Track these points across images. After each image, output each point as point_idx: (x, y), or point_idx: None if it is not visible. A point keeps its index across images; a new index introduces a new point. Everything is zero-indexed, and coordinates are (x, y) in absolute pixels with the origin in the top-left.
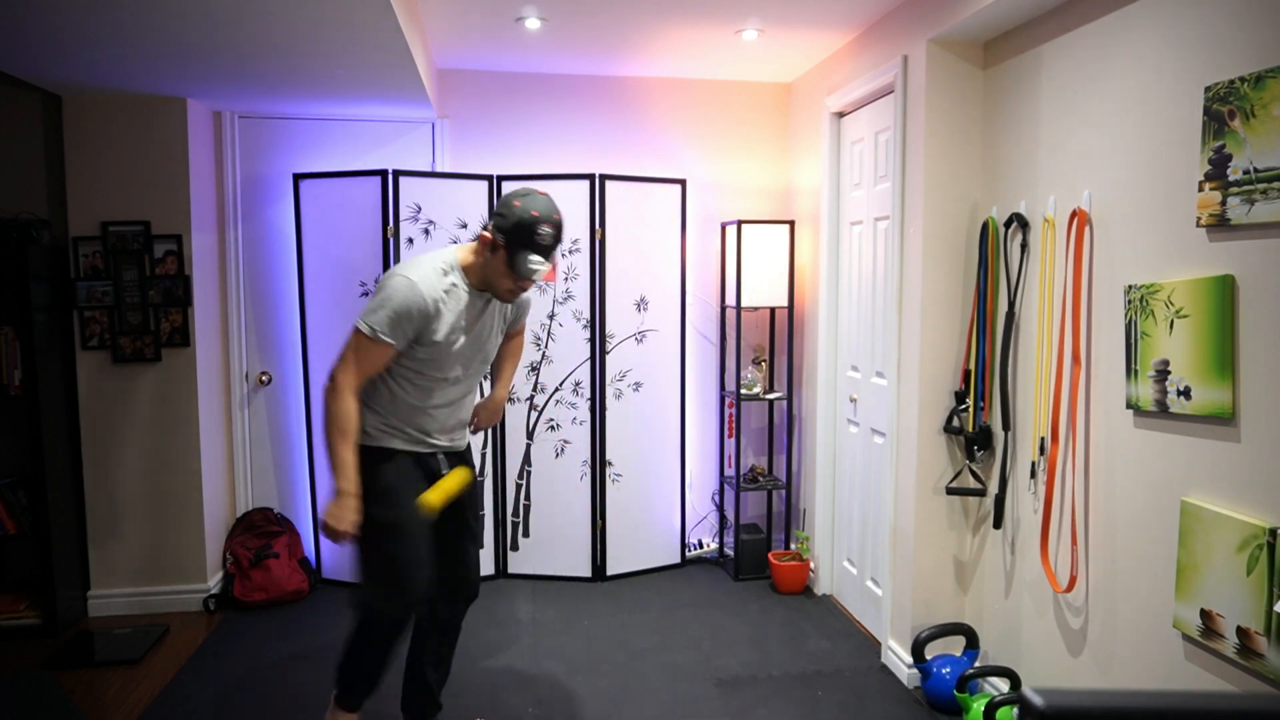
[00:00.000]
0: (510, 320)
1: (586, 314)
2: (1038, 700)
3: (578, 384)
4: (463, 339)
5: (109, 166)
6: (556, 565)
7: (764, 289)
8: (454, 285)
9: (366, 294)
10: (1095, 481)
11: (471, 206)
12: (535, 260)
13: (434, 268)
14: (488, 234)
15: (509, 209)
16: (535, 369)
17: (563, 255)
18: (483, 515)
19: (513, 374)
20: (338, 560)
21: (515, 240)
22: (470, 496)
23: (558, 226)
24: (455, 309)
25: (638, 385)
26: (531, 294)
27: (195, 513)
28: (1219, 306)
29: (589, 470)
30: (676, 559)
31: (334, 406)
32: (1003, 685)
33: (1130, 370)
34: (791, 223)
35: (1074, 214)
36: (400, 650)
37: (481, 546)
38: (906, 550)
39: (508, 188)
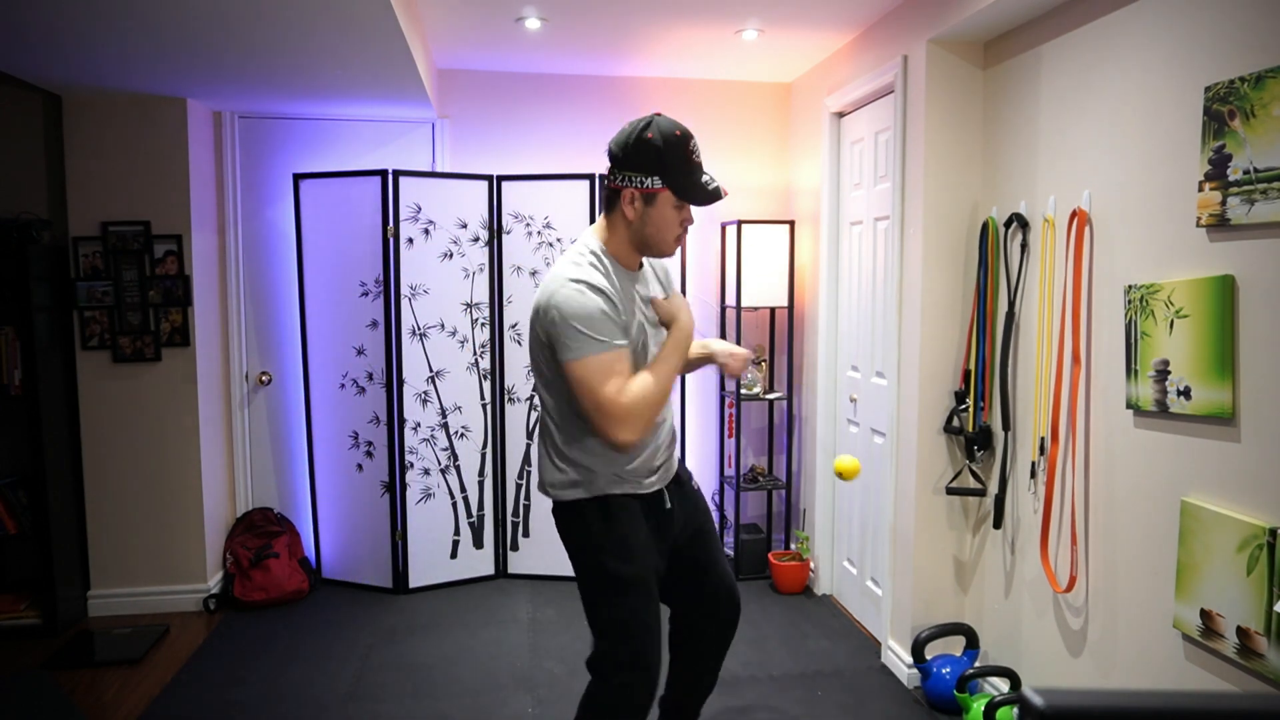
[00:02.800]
0: (666, 287)
1: None
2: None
3: None
4: (647, 327)
5: (109, 166)
6: (556, 565)
7: (764, 289)
8: (608, 270)
9: (366, 294)
10: (1095, 481)
11: (471, 206)
12: (708, 177)
13: (581, 261)
14: (632, 189)
15: (644, 145)
16: None
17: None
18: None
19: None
20: (338, 560)
21: (677, 169)
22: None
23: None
24: (627, 296)
25: None
26: (530, 294)
27: (195, 513)
28: (1219, 306)
29: None
30: None
31: (641, 415)
32: (1003, 685)
33: (1130, 370)
34: (791, 223)
35: (1074, 214)
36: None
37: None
38: (906, 550)
39: (508, 188)
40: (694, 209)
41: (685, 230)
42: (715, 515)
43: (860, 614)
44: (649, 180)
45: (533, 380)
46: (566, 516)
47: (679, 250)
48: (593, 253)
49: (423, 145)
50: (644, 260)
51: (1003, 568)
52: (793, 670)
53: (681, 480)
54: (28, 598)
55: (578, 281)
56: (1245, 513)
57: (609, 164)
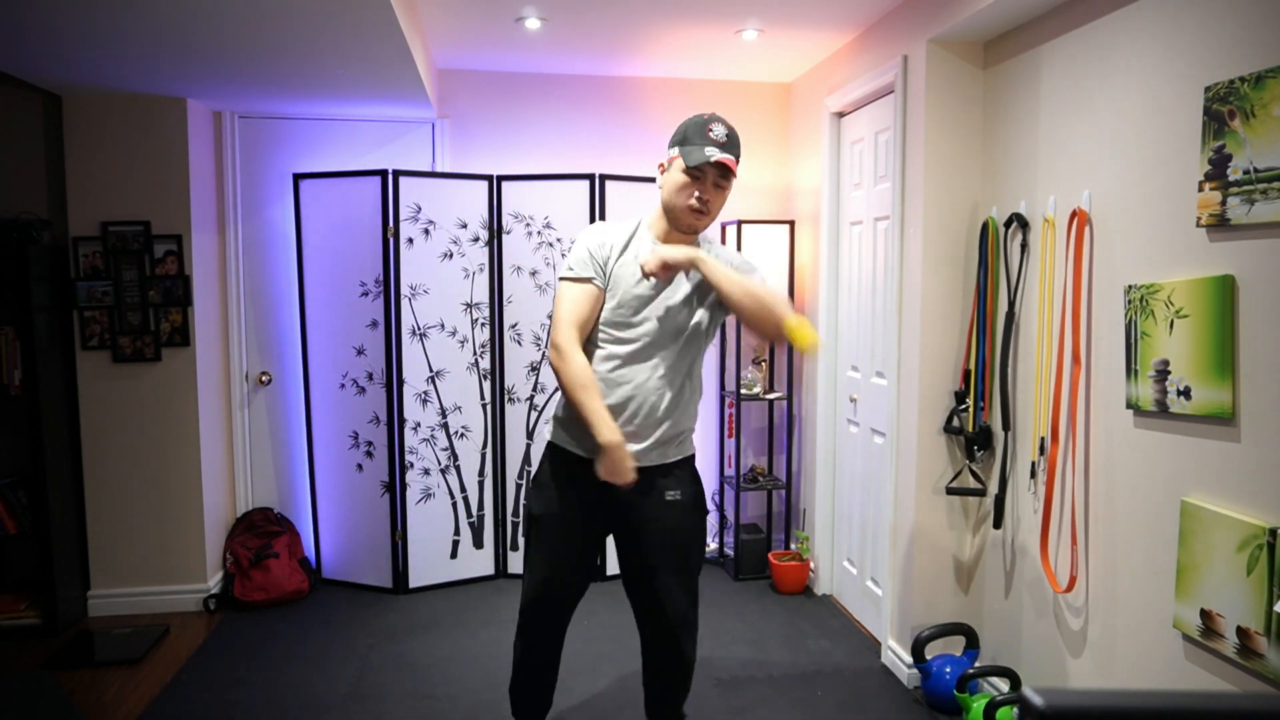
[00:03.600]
0: (707, 292)
1: None
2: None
3: None
4: (650, 290)
5: (109, 166)
6: None
7: None
8: (639, 233)
9: (366, 294)
10: (1095, 482)
11: (471, 206)
12: (713, 149)
13: (618, 221)
14: (662, 162)
15: (679, 127)
16: (535, 369)
17: (562, 255)
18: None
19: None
20: (338, 560)
21: (690, 140)
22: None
23: (732, 129)
24: (642, 251)
25: None
26: (530, 294)
27: (195, 513)
28: (1219, 306)
29: None
30: None
31: (560, 370)
32: (1003, 685)
33: (1130, 370)
34: (791, 223)
35: (1074, 214)
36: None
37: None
38: (906, 550)
39: (508, 188)
40: (715, 191)
41: (700, 204)
42: (715, 515)
43: (860, 614)
44: (671, 150)
45: (531, 380)
46: None
47: (697, 225)
48: (637, 222)
49: (423, 145)
50: (708, 245)
51: (1003, 568)
52: (792, 670)
53: (655, 485)
54: (28, 598)
55: (599, 225)
56: (1245, 513)
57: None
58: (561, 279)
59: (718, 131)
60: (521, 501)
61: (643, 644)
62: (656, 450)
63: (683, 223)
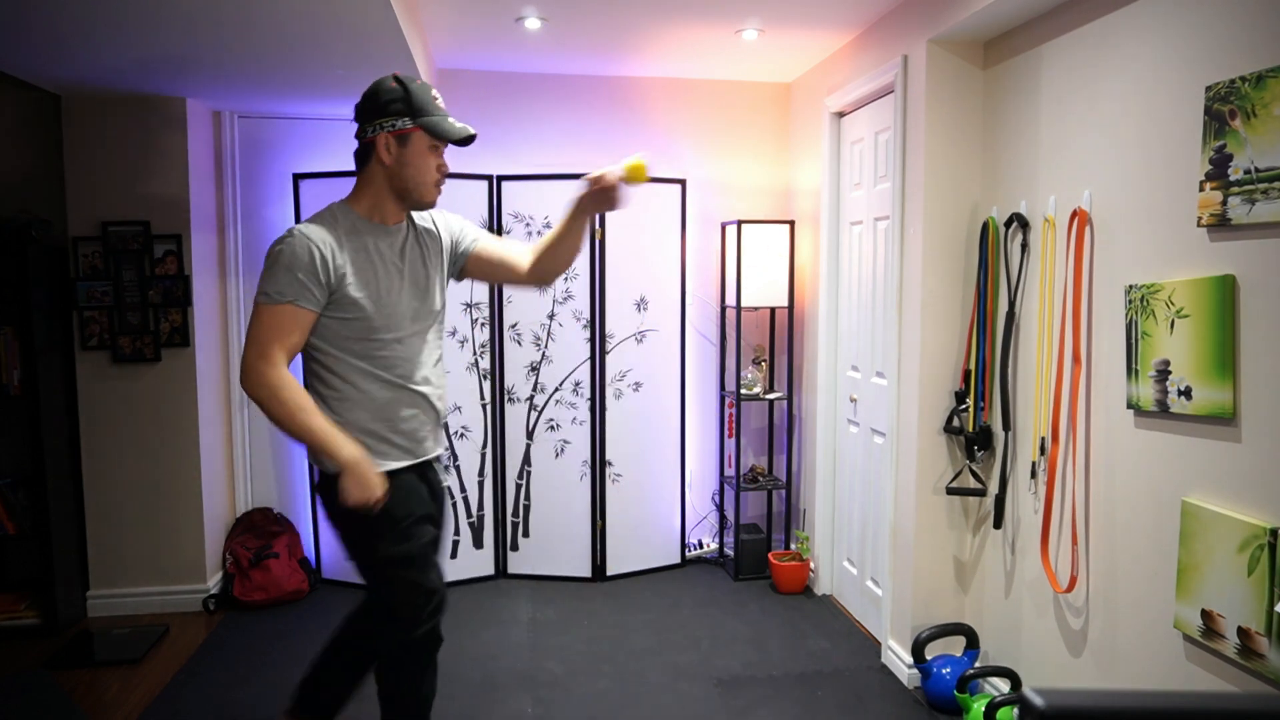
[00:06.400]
0: (455, 250)
1: (586, 314)
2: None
3: (577, 384)
4: (397, 280)
5: (109, 166)
6: (556, 565)
7: (764, 289)
8: (352, 227)
9: None
10: (1095, 481)
11: (471, 207)
12: (446, 112)
13: (315, 220)
14: (385, 134)
15: (390, 91)
16: (535, 369)
17: None
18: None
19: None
20: (338, 560)
21: (425, 110)
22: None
23: None
24: (364, 250)
25: (637, 385)
26: (530, 294)
27: (195, 513)
28: (1220, 306)
29: (589, 470)
30: (676, 559)
31: (266, 390)
32: (1003, 685)
33: (1131, 370)
34: (791, 223)
35: (1074, 214)
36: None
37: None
38: (906, 550)
39: (508, 187)
40: (456, 157)
41: (442, 177)
42: (715, 515)
43: (860, 614)
44: (400, 122)
45: (531, 380)
46: None
47: (438, 198)
48: (335, 212)
49: None
50: (421, 218)
51: (1003, 568)
52: (793, 670)
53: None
54: (28, 598)
55: (300, 232)
56: (1246, 513)
57: (357, 126)
58: (259, 301)
59: (440, 99)
60: (523, 503)
61: None
62: None
63: (427, 199)
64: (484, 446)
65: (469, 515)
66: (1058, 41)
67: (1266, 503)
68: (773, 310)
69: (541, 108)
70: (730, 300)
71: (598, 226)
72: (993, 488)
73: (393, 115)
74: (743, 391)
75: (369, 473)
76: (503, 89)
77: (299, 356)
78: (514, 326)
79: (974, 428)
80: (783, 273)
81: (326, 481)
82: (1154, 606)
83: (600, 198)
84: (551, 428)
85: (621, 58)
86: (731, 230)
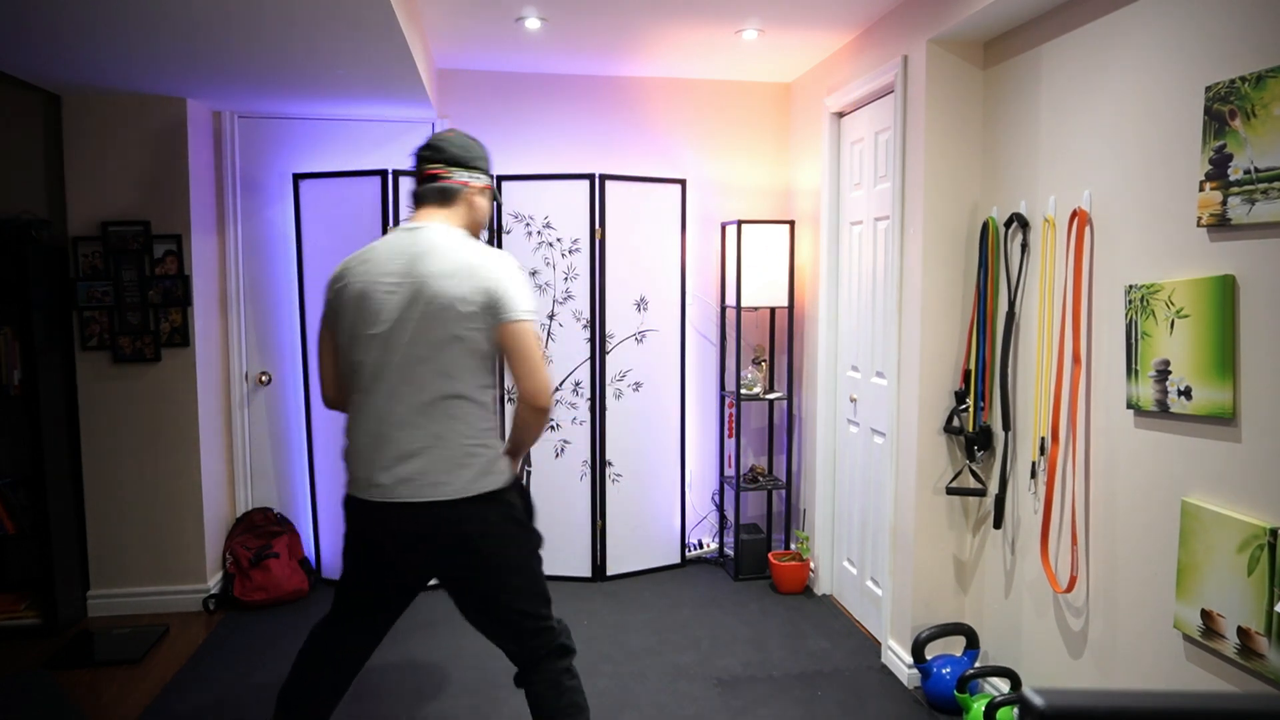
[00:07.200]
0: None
1: (586, 314)
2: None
3: (578, 384)
4: None
5: (109, 166)
6: (556, 565)
7: (764, 289)
8: None
9: None
10: (1095, 481)
11: None
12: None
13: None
14: (485, 184)
15: (483, 150)
16: None
17: (562, 255)
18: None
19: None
20: (338, 560)
21: (489, 170)
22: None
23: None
24: None
25: (638, 385)
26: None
27: (195, 513)
28: (1220, 306)
29: (589, 470)
30: (676, 559)
31: (547, 418)
32: (1003, 685)
33: (1131, 370)
34: (791, 223)
35: (1074, 214)
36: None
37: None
38: (906, 550)
39: (508, 187)
40: None
41: None
42: (715, 515)
43: (860, 614)
44: (485, 178)
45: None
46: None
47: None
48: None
49: None
50: None
51: (1003, 568)
52: (793, 670)
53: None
54: (27, 598)
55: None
56: (1246, 513)
57: (453, 163)
58: (529, 320)
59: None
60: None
61: None
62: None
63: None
64: None
65: None
66: (1057, 41)
67: (1266, 503)
68: (773, 310)
69: (541, 108)
70: (730, 300)
71: (598, 226)
72: (993, 488)
73: (486, 172)
74: (743, 391)
75: None
76: (503, 89)
77: (456, 375)
78: None
79: (974, 428)
80: (783, 273)
81: (518, 487)
82: (1154, 606)
83: None
84: (551, 427)
85: (621, 58)
86: (731, 230)
